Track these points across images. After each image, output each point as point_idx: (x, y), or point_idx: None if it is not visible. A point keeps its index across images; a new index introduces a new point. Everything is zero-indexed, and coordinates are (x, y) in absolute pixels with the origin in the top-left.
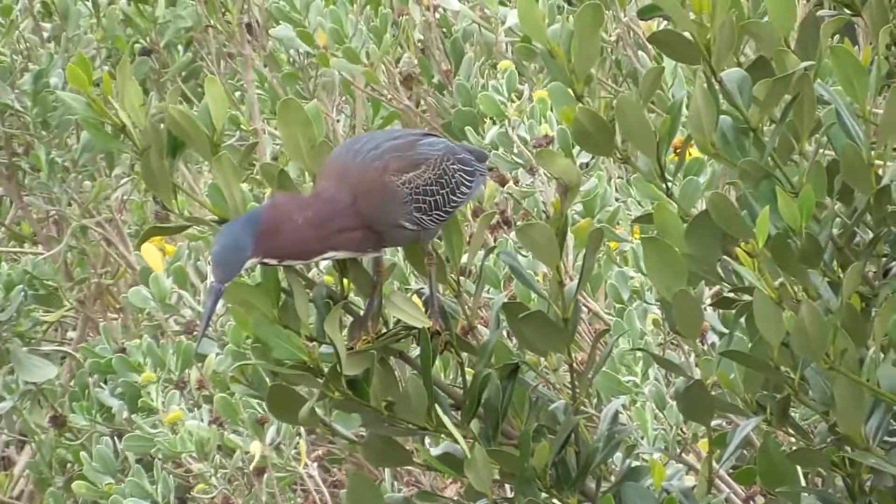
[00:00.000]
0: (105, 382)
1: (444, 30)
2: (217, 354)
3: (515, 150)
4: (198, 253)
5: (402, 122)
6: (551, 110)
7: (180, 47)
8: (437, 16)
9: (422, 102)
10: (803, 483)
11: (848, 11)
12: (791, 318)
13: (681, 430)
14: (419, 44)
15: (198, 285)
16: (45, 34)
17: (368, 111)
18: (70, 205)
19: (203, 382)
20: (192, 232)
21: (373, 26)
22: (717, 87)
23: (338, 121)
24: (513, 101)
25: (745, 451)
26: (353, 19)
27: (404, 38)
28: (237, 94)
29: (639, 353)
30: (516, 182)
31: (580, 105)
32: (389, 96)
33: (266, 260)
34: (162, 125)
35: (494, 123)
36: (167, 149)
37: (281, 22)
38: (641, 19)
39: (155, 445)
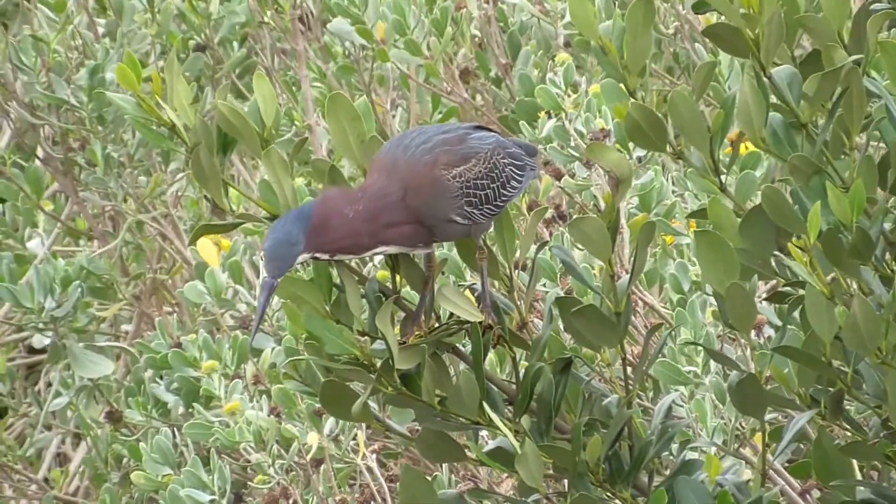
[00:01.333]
0: (161, 378)
1: (502, 24)
2: (273, 349)
3: (572, 143)
4: (253, 248)
5: (459, 117)
6: (606, 104)
7: (235, 43)
8: (495, 10)
9: (478, 96)
10: (858, 476)
11: None
12: (843, 312)
13: (740, 423)
14: (476, 38)
15: (253, 280)
16: (100, 30)
17: (426, 105)
18: (126, 200)
19: (259, 377)
20: (248, 226)
21: (433, 19)
22: (766, 81)
23: (393, 115)
24: (570, 95)
25: (801, 445)
26: (416, 11)
27: (461, 31)
28: (293, 88)
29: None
30: (573, 176)
31: (632, 100)
32: (448, 89)
33: (318, 255)
34: (213, 122)
35: (550, 117)
36: (217, 146)
37: (338, 15)
38: (696, 13)
39: (214, 434)
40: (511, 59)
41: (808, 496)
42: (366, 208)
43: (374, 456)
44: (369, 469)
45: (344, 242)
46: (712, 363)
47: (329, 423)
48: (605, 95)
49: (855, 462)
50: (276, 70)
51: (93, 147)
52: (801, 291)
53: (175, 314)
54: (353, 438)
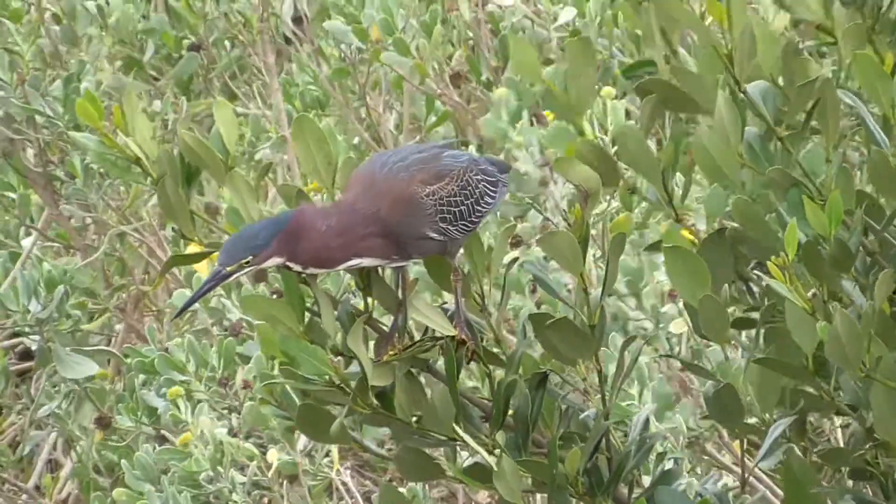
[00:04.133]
0: (151, 384)
1: (493, 27)
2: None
3: (522, 171)
4: None
5: (454, 120)
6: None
7: (227, 44)
8: (485, 13)
9: (471, 100)
10: None
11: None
12: (825, 328)
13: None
14: (469, 41)
15: (244, 283)
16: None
17: (420, 108)
18: (107, 212)
19: (248, 383)
20: None
21: (422, 21)
22: (740, 96)
23: (385, 120)
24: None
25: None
26: (404, 13)
27: (453, 35)
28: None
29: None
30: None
31: (580, 139)
32: (440, 92)
33: (290, 264)
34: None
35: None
36: (182, 177)
37: (333, 15)
38: (626, 78)
39: (172, 464)
40: (502, 62)
41: None
42: (339, 222)
43: (348, 471)
44: (344, 485)
45: (317, 254)
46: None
47: (303, 438)
48: (555, 139)
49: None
50: (269, 71)
51: (72, 159)
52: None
53: (155, 324)
54: (327, 455)
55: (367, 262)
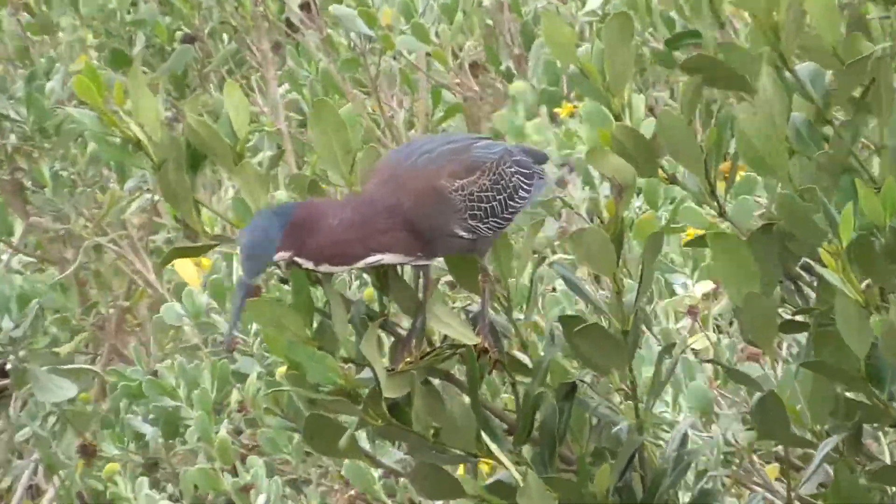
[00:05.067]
0: (138, 406)
1: (515, 13)
2: (258, 375)
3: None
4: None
5: (465, 113)
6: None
7: (225, 35)
8: None
9: (489, 91)
10: None
11: None
12: (879, 322)
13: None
14: (488, 27)
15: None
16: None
17: (429, 101)
18: (80, 222)
19: (244, 405)
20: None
21: (442, 4)
22: (788, 76)
23: (392, 116)
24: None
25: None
26: None
27: (471, 20)
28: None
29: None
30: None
31: (617, 123)
32: (456, 82)
33: (299, 260)
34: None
35: None
36: (187, 162)
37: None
38: (671, 49)
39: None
40: (524, 50)
41: None
42: (354, 214)
43: None
44: None
45: (331, 250)
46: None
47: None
48: (588, 122)
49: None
50: (270, 63)
51: (39, 166)
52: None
53: (139, 343)
54: None
55: (389, 258)
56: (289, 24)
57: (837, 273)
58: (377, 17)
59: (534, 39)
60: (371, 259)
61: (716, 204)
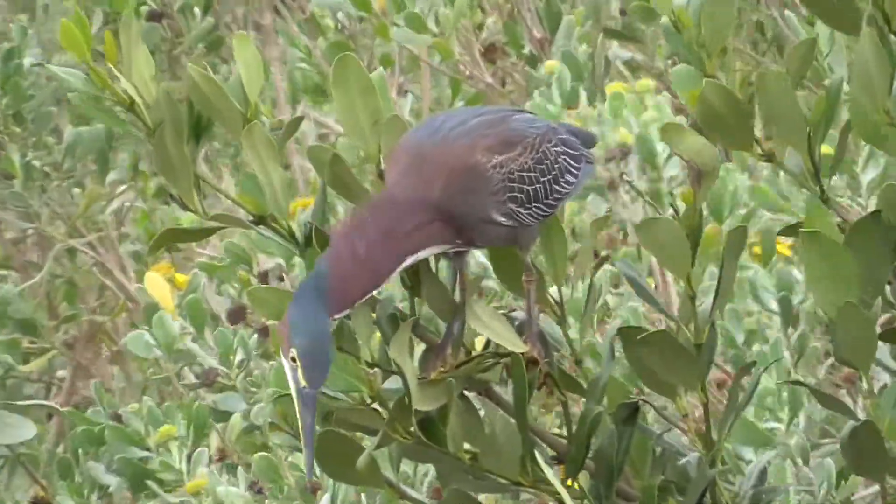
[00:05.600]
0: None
1: None
2: (246, 412)
3: None
4: (220, 279)
5: (486, 104)
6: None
7: (197, 11)
8: None
9: (508, 80)
10: None
11: None
12: None
13: (831, 494)
14: (506, 3)
15: (220, 316)
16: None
17: (443, 91)
18: (53, 221)
19: (225, 451)
20: (209, 261)
21: None
22: (892, 39)
23: (400, 106)
24: (570, 109)
25: None
26: None
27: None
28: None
29: (785, 394)
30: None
31: (707, 80)
32: (468, 72)
33: (344, 312)
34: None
35: None
36: (189, 128)
37: None
38: None
39: None
40: (549, 32)
41: None
42: (378, 229)
43: None
44: None
45: (367, 286)
46: (801, 419)
47: (324, 500)
48: (677, 85)
49: None
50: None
51: (9, 154)
52: None
53: (116, 368)
54: None
55: (425, 253)
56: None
57: None
58: (370, 3)
59: (560, 18)
60: (407, 262)
61: (818, 188)
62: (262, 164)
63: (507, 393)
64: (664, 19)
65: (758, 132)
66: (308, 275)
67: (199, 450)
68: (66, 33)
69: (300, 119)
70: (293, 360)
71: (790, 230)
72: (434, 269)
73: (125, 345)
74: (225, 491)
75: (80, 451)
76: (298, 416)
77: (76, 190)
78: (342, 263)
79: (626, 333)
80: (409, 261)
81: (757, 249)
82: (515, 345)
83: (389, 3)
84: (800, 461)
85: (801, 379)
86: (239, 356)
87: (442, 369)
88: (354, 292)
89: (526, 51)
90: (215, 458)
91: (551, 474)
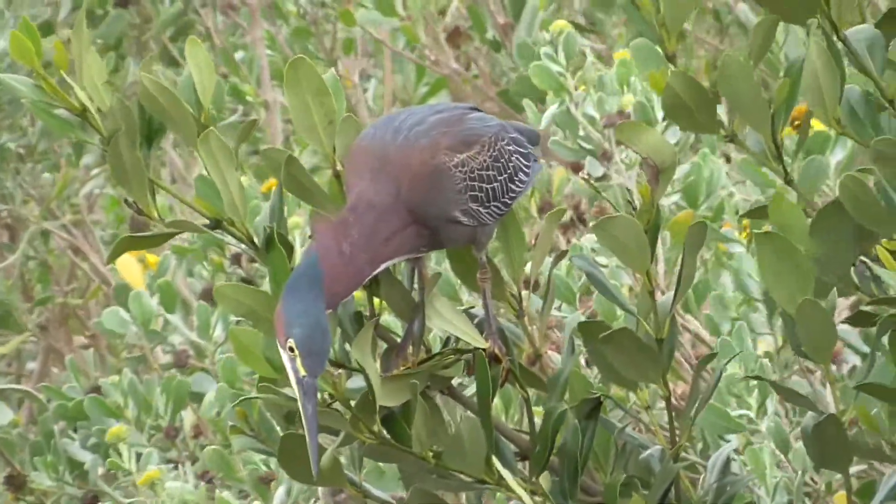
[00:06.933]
0: (76, 431)
1: None
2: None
3: (581, 133)
4: (190, 263)
5: (450, 90)
6: (638, 72)
7: None
8: None
9: (472, 65)
10: None
11: None
12: None
13: (811, 479)
14: None
15: (191, 303)
16: None
17: (409, 76)
18: (27, 203)
19: (200, 428)
20: (181, 244)
21: None
22: (839, 47)
23: (365, 90)
24: (574, 72)
25: None
26: None
27: None
28: (240, 55)
29: (754, 382)
30: (587, 176)
31: (673, 69)
32: (433, 57)
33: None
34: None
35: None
36: (141, 134)
37: None
38: None
39: None
40: (513, 17)
41: None
42: (361, 232)
43: None
44: None
45: (352, 284)
46: (769, 404)
47: (279, 493)
48: (636, 59)
49: None
50: (219, 32)
51: None
52: (893, 310)
53: (91, 349)
54: None
55: (399, 259)
56: None
57: None
58: None
59: (524, 4)
60: (379, 270)
61: (781, 168)
62: (218, 170)
63: (467, 390)
64: None
65: (723, 115)
66: (298, 265)
67: (149, 451)
68: (15, 45)
69: (255, 122)
70: (291, 350)
71: (757, 212)
72: (391, 269)
73: (99, 326)
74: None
75: (54, 428)
76: (300, 405)
77: (47, 175)
78: (332, 258)
79: (587, 328)
80: (384, 266)
81: (721, 247)
82: (477, 341)
83: None
84: (773, 445)
85: (769, 366)
86: (217, 332)
87: (404, 365)
88: (340, 291)
89: (489, 36)
90: (191, 435)
91: (507, 473)
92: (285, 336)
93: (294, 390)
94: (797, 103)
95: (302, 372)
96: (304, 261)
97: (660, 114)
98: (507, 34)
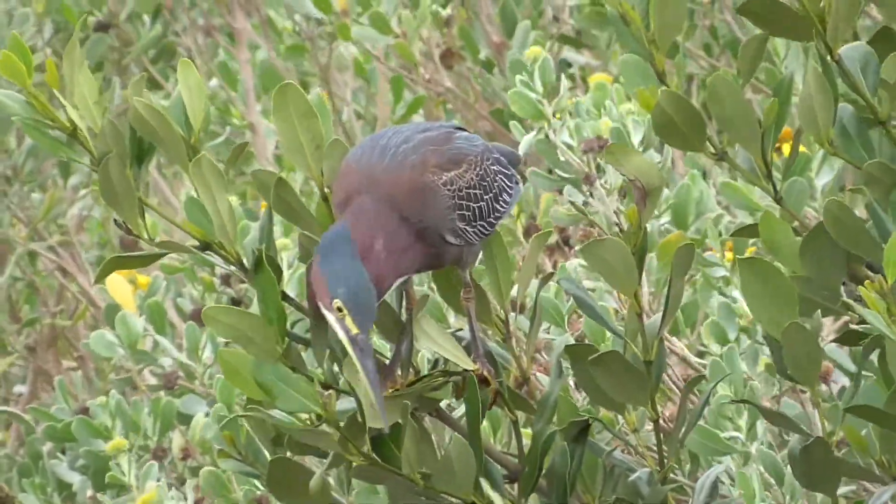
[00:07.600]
0: (63, 452)
1: None
2: (206, 414)
3: (562, 159)
4: (178, 285)
5: (425, 110)
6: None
7: (146, 18)
8: None
9: (467, 85)
10: None
11: None
12: None
13: (800, 502)
14: (463, 9)
15: (178, 325)
16: None
17: (390, 95)
18: (13, 225)
19: (189, 450)
20: (171, 262)
21: None
22: (833, 67)
23: (358, 116)
24: (550, 98)
25: None
26: None
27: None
28: (213, 81)
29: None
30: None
31: (663, 88)
32: (427, 76)
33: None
34: (127, 123)
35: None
36: (131, 155)
37: None
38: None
39: None
40: (506, 36)
41: None
42: (387, 239)
43: None
44: None
45: (383, 284)
46: (759, 426)
47: None
48: (625, 76)
49: None
50: (202, 52)
51: None
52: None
53: (79, 370)
54: None
55: (409, 275)
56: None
57: (882, 314)
58: (331, 3)
59: (516, 24)
60: (395, 285)
61: (770, 187)
62: (209, 193)
63: (455, 412)
64: (611, 10)
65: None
66: (328, 232)
67: (149, 464)
68: (6, 64)
69: (245, 145)
70: (339, 310)
71: (746, 231)
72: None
73: (87, 348)
74: None
75: (42, 450)
76: (357, 363)
77: (35, 195)
78: (365, 242)
79: (575, 351)
80: (397, 283)
81: (730, 257)
82: (465, 363)
83: (352, 3)
84: (761, 468)
85: (758, 387)
86: (206, 353)
87: (393, 387)
88: (384, 282)
89: (482, 55)
90: (179, 458)
91: (498, 499)
92: (330, 297)
93: (348, 350)
94: (786, 123)
95: (354, 329)
96: (333, 229)
97: (636, 138)
98: (500, 53)
